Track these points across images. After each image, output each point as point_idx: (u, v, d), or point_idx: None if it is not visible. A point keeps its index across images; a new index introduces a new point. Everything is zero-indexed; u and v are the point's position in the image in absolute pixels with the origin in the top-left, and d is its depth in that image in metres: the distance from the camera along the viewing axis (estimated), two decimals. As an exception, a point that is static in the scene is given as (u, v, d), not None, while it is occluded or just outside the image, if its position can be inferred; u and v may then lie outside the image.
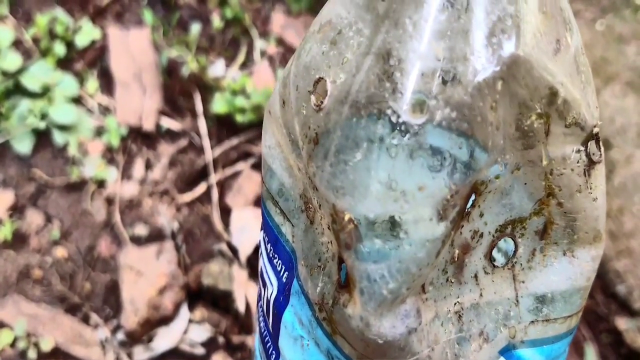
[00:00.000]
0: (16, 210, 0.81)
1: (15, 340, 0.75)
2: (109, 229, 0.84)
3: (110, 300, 0.81)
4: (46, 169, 0.85)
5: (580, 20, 1.27)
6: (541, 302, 0.35)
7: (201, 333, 0.81)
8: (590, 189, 0.34)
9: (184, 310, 0.81)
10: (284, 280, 0.37)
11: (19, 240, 0.80)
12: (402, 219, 0.29)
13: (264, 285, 0.40)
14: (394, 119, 0.30)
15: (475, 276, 0.34)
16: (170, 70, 0.94)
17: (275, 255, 0.38)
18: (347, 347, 0.33)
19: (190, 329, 0.81)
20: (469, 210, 0.32)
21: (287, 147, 0.36)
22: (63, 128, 0.85)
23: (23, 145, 0.83)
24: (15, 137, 0.83)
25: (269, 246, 0.39)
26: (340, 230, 0.31)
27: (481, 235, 0.34)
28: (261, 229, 0.41)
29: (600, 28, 1.28)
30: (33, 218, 0.82)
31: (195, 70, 0.93)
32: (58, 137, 0.86)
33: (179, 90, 0.94)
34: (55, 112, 0.85)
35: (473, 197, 0.32)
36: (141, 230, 0.85)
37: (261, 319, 0.41)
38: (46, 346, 0.76)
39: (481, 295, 0.35)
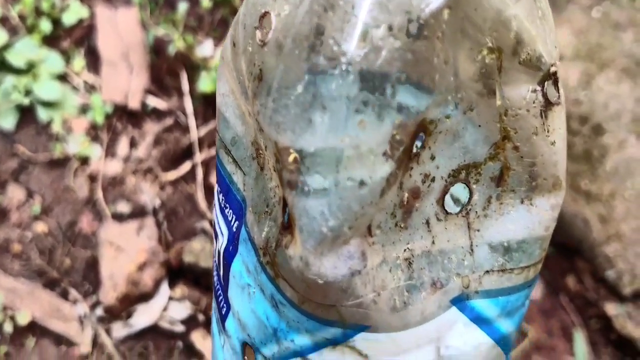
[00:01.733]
0: (-2, 184, 0.81)
1: (-9, 314, 0.75)
2: (91, 205, 0.83)
3: (90, 276, 0.80)
4: (29, 145, 0.85)
5: (576, 6, 1.26)
6: (497, 251, 0.34)
7: (181, 310, 0.80)
8: (548, 131, 0.33)
9: (164, 287, 0.81)
10: (234, 229, 0.36)
11: (-1, 214, 0.80)
12: (344, 153, 0.29)
13: (216, 237, 0.39)
14: (336, 49, 0.29)
15: (427, 222, 0.33)
16: (157, 49, 0.94)
17: (227, 205, 0.37)
18: (289, 290, 0.32)
19: (170, 306, 0.80)
20: (418, 151, 0.31)
21: (239, 92, 0.35)
22: (47, 105, 0.85)
23: (7, 121, 0.83)
24: (0, 112, 0.82)
25: (220, 196, 0.38)
26: (283, 168, 0.30)
27: (433, 180, 0.33)
28: (216, 182, 0.40)
29: (597, 15, 1.27)
30: (14, 193, 0.81)
31: (182, 49, 0.92)
32: (42, 114, 0.85)
33: (166, 69, 0.93)
34: (40, 88, 0.85)
35: (422, 137, 0.31)
36: (123, 207, 0.84)
37: (214, 273, 0.40)
38: (23, 320, 0.75)
39: (433, 242, 0.34)
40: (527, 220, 0.34)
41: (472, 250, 0.34)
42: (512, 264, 0.34)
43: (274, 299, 0.33)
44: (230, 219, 0.37)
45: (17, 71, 0.85)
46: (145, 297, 0.80)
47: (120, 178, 0.86)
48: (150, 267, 0.79)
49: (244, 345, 0.37)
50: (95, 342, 0.78)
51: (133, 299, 0.79)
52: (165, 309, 0.80)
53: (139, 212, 0.83)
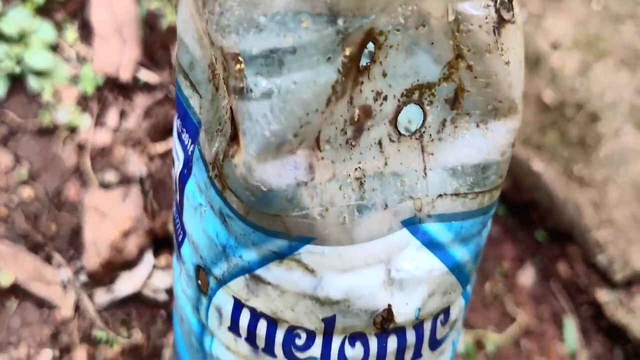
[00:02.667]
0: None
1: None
2: (79, 173, 0.84)
3: (75, 243, 0.80)
4: (19, 113, 0.85)
5: (576, -4, 1.26)
6: (451, 175, 0.34)
7: (165, 279, 0.80)
8: (501, 50, 0.32)
9: (149, 255, 0.81)
10: (189, 152, 0.36)
11: (-16, 178, 0.80)
12: (286, 55, 0.29)
13: (174, 164, 0.39)
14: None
15: (380, 143, 0.33)
16: (149, 23, 0.94)
17: (184, 130, 0.37)
18: (235, 201, 0.32)
19: (154, 274, 0.80)
20: (368, 64, 0.31)
21: (196, 13, 0.35)
22: (38, 74, 0.85)
23: (-4, 88, 0.83)
24: (-11, 79, 0.83)
25: (178, 122, 0.38)
26: (229, 75, 0.30)
27: (385, 98, 0.33)
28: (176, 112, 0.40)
29: (597, 8, 1.27)
30: (2, 158, 0.82)
31: (174, 24, 0.92)
32: (33, 83, 0.86)
33: (158, 43, 0.94)
34: (31, 57, 0.85)
35: (372, 50, 0.31)
36: (111, 177, 0.84)
37: (174, 204, 0.40)
38: (5, 281, 0.75)
39: (386, 164, 0.34)
40: (482, 145, 0.34)
41: (425, 173, 0.34)
42: (465, 189, 0.34)
43: (222, 214, 0.33)
44: (186, 143, 0.37)
45: (9, 40, 0.85)
46: (129, 264, 0.80)
47: (108, 148, 0.86)
48: (135, 235, 0.79)
49: (197, 268, 0.37)
50: (78, 307, 0.78)
51: (117, 265, 0.79)
52: (149, 277, 0.80)
53: (125, 181, 0.83)
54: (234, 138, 0.31)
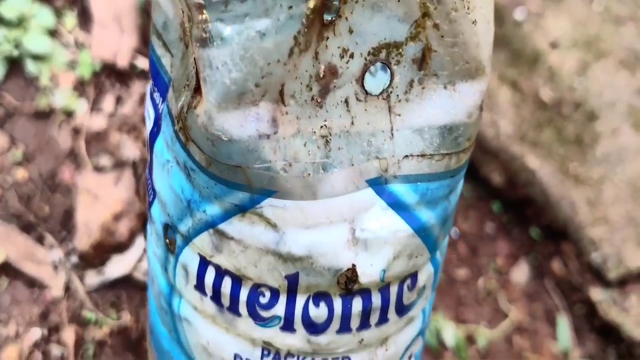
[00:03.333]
0: (-20, 130, 0.82)
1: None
2: (73, 157, 0.84)
3: (68, 225, 0.81)
4: (16, 95, 0.86)
5: (577, -2, 1.26)
6: (417, 136, 0.34)
7: (156, 262, 0.80)
8: (468, 9, 0.33)
9: (140, 239, 0.81)
10: (160, 110, 0.36)
11: (-21, 158, 0.81)
12: (248, 1, 0.29)
13: (145, 124, 0.40)
14: None
15: (346, 102, 0.33)
16: (148, 12, 0.95)
17: (155, 89, 0.38)
18: (198, 152, 0.32)
19: (144, 257, 0.81)
20: (334, 19, 0.32)
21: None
22: (36, 58, 0.86)
23: (-6, 71, 0.84)
24: (-13, 61, 0.84)
25: (150, 83, 0.39)
26: (192, 25, 0.30)
27: (352, 56, 0.33)
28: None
29: (598, 9, 1.27)
30: (-3, 139, 0.83)
31: (173, 12, 0.93)
32: (31, 66, 0.87)
33: (156, 32, 0.95)
34: (30, 41, 0.86)
35: (338, 2, 0.31)
36: (105, 161, 0.85)
37: (147, 166, 0.41)
38: (-4, 258, 0.76)
39: (352, 123, 0.34)
40: (449, 106, 0.34)
41: (392, 134, 0.34)
42: (432, 150, 0.34)
43: (186, 167, 0.34)
44: (157, 102, 0.37)
45: (8, 24, 0.86)
46: (121, 247, 0.80)
47: (103, 133, 0.87)
48: (127, 218, 0.80)
49: (166, 227, 0.38)
50: (68, 288, 0.79)
51: (108, 247, 0.79)
52: (139, 260, 0.81)
53: (119, 166, 0.84)
54: (197, 89, 0.32)
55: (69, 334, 0.77)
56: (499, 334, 0.99)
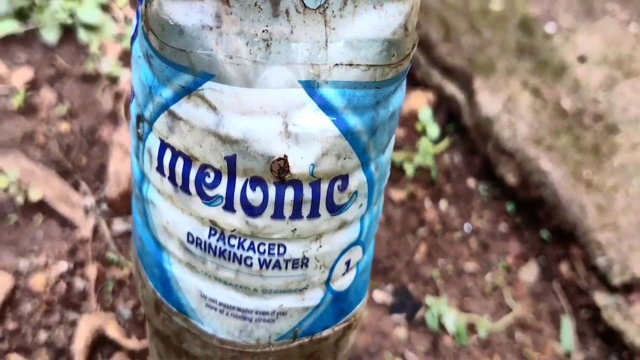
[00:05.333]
0: (33, 85, 0.92)
1: (8, 187, 0.85)
2: (113, 117, 0.94)
3: (102, 176, 0.90)
4: (67, 59, 0.96)
5: (614, 19, 1.30)
6: (347, 48, 0.40)
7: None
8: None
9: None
10: (140, 12, 0.43)
11: (30, 110, 0.91)
12: None
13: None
14: None
15: (287, 12, 0.40)
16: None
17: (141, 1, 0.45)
18: (153, 38, 0.40)
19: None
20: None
21: None
22: (88, 27, 0.96)
23: (50, 35, 0.95)
24: (45, 27, 0.94)
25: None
26: None
27: (292, -26, 0.39)
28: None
29: (634, 30, 1.30)
30: (47, 95, 0.93)
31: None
32: (82, 35, 0.97)
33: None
34: (84, 12, 0.96)
35: None
36: (141, 123, 0.94)
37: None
38: (34, 196, 0.86)
39: (292, 32, 0.40)
40: (377, 23, 0.41)
41: (326, 45, 0.41)
42: (359, 60, 0.41)
43: (147, 55, 0.41)
44: (139, 9, 0.44)
45: (67, -4, 0.97)
46: (145, 198, 0.88)
47: (143, 99, 0.96)
48: (152, 173, 0.88)
49: (138, 118, 0.45)
50: (96, 231, 0.88)
51: (133, 197, 0.88)
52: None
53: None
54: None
55: (92, 271, 0.85)
56: (500, 327, 1.02)
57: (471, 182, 1.14)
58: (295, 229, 0.45)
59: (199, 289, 0.49)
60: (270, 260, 0.46)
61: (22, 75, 0.92)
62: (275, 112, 0.41)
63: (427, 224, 1.08)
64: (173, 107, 0.41)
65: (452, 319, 1.01)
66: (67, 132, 0.92)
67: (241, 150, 0.41)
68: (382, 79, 0.42)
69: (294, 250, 0.46)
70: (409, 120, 1.16)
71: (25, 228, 0.86)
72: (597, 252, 1.03)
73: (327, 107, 0.42)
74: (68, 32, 0.97)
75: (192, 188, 0.44)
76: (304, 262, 0.47)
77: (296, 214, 0.44)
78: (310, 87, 0.41)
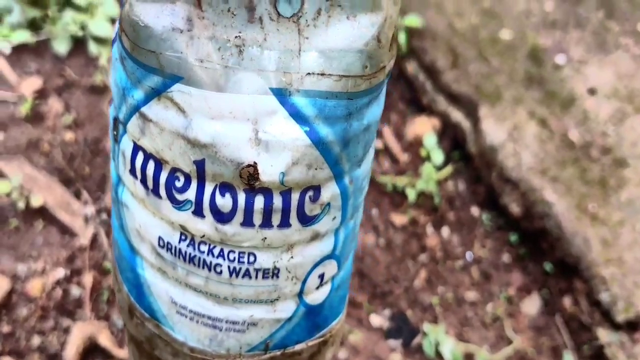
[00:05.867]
0: (42, 94, 0.94)
1: (10, 192, 0.87)
2: (117, 129, 0.95)
3: (103, 187, 0.91)
4: (76, 70, 0.98)
5: (627, 53, 1.29)
6: (320, 57, 0.41)
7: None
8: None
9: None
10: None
11: (37, 118, 0.92)
12: None
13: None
14: None
15: (261, 19, 0.40)
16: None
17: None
18: (126, 40, 0.41)
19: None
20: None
21: None
22: (98, 40, 0.98)
23: (61, 47, 0.97)
24: (56, 38, 0.96)
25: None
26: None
27: (266, -18, 0.40)
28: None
29: (650, 66, 1.30)
30: (54, 104, 0.94)
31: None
32: (92, 47, 0.99)
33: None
34: (94, 25, 0.98)
35: None
36: (145, 136, 0.95)
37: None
38: (36, 202, 0.87)
39: (265, 39, 0.41)
40: (349, 33, 0.41)
41: (299, 54, 0.41)
42: (331, 70, 0.41)
43: (122, 57, 0.42)
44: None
45: (77, 8, 0.99)
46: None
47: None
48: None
49: (114, 121, 0.46)
50: (95, 240, 0.88)
51: (131, 208, 0.89)
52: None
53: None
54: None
55: (88, 279, 0.86)
56: (499, 359, 1.01)
57: (475, 211, 1.13)
58: (266, 238, 0.45)
59: (170, 295, 0.49)
60: (240, 269, 0.46)
61: (31, 84, 0.94)
62: (245, 118, 0.41)
63: (428, 250, 1.07)
64: (144, 109, 0.42)
65: (450, 348, 1.00)
66: (71, 141, 0.94)
67: (210, 155, 0.42)
68: (355, 90, 0.42)
69: (265, 260, 0.46)
70: (414, 145, 1.16)
71: (25, 233, 0.87)
72: (601, 287, 1.01)
73: (298, 116, 0.42)
74: (79, 44, 0.99)
75: (162, 192, 0.44)
76: (274, 273, 0.47)
77: (266, 223, 0.44)
78: (281, 95, 0.41)
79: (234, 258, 0.46)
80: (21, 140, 0.91)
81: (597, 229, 1.05)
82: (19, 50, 0.97)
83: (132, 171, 0.45)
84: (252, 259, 0.46)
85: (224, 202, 0.43)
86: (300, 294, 0.50)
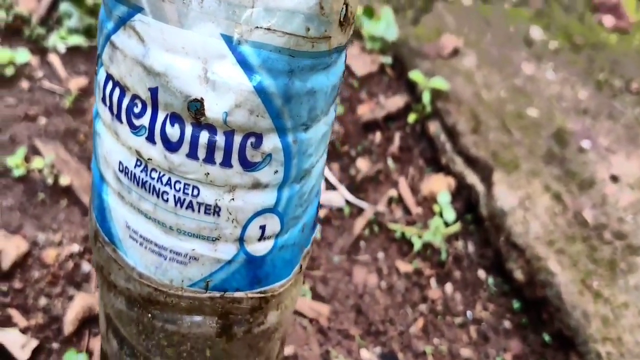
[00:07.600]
0: (85, 93, 1.04)
1: (42, 168, 0.96)
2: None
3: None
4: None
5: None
6: (268, 14, 0.47)
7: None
8: None
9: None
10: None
11: (78, 111, 1.03)
12: None
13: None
14: None
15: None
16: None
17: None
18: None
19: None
20: None
21: None
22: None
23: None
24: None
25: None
26: None
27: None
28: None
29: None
30: (94, 102, 1.04)
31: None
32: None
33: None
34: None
35: None
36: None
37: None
38: (64, 182, 0.96)
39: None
40: (297, -4, 0.47)
41: (252, 8, 0.48)
42: (277, 27, 0.47)
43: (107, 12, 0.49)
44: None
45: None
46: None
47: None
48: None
49: (97, 57, 0.53)
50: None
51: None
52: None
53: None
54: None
55: (97, 259, 0.94)
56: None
57: (482, 273, 1.15)
58: (208, 174, 0.50)
59: (125, 219, 0.54)
60: (185, 200, 0.51)
61: (78, 82, 1.04)
62: (197, 56, 0.47)
63: (429, 301, 1.09)
64: (113, 37, 0.49)
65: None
66: (107, 138, 1.03)
67: (162, 84, 0.48)
68: (297, 49, 0.48)
69: (207, 196, 0.51)
70: (428, 201, 1.20)
71: (50, 207, 0.95)
72: (597, 364, 1.00)
73: (244, 63, 0.47)
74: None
75: (123, 117, 0.50)
76: (216, 210, 0.52)
77: (209, 158, 0.49)
78: (231, 42, 0.47)
79: (180, 188, 0.51)
80: (60, 127, 1.01)
81: (600, 306, 1.05)
82: (73, 52, 1.09)
83: (103, 99, 0.52)
84: (195, 192, 0.51)
85: (173, 132, 0.49)
86: (241, 240, 0.53)
